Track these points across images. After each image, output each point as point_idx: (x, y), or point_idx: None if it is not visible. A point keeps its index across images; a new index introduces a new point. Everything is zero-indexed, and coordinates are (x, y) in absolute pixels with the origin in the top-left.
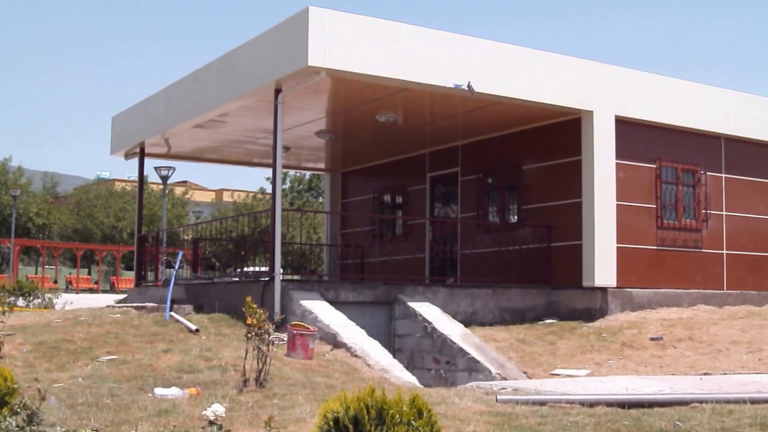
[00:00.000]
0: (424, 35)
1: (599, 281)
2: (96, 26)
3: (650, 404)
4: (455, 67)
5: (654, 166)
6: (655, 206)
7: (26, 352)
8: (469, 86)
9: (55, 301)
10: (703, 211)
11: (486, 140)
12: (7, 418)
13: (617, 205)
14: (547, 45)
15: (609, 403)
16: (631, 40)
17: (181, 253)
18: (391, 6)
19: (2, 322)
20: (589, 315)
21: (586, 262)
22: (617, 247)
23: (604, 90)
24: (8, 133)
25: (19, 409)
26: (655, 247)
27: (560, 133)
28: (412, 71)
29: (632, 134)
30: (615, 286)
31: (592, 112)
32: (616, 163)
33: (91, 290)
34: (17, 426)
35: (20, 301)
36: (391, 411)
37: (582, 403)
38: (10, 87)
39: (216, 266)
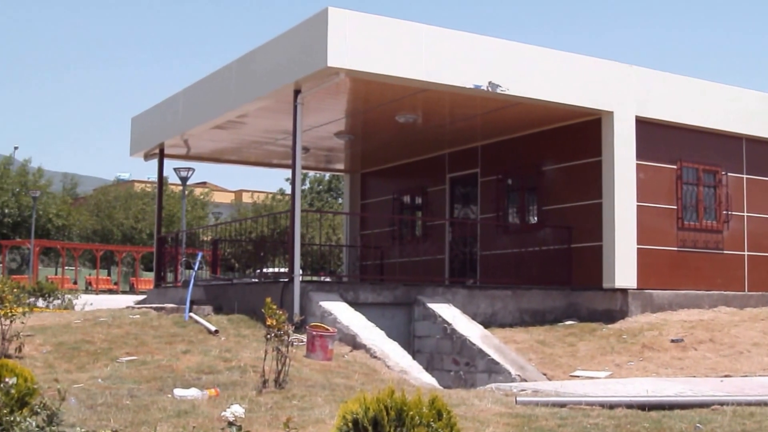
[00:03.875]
0: (444, 36)
1: (620, 282)
2: (116, 29)
3: (671, 406)
4: (475, 67)
5: (675, 166)
6: (675, 207)
7: (46, 352)
8: (490, 85)
9: (74, 301)
10: (724, 212)
11: (506, 141)
12: (28, 419)
13: (638, 206)
14: (568, 46)
15: (629, 405)
16: (651, 40)
17: (200, 254)
18: (410, 6)
19: (22, 322)
20: (610, 316)
21: (607, 264)
22: (638, 249)
23: (624, 90)
24: (28, 135)
25: (39, 410)
26: (676, 249)
27: (580, 134)
28: (431, 72)
29: (653, 135)
30: (635, 287)
31: (612, 112)
32: (637, 164)
33: (110, 291)
34: (37, 426)
35: (40, 302)
36: (411, 412)
37: (602, 405)
38: (31, 90)
39: (235, 267)
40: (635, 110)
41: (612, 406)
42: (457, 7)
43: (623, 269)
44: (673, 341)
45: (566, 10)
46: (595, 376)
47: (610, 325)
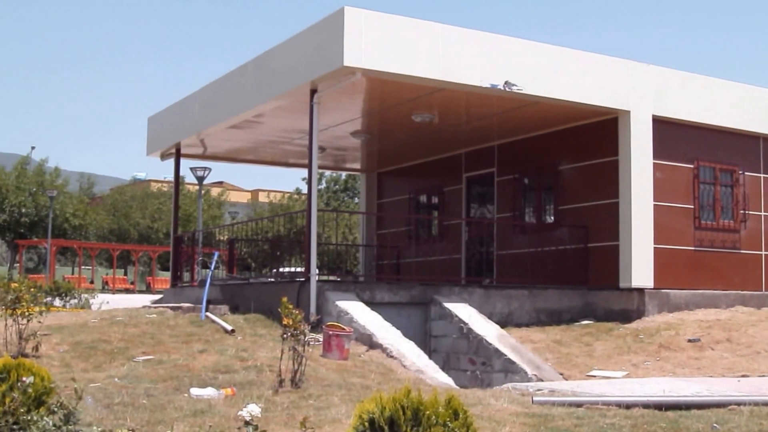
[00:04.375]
0: (460, 35)
1: (636, 282)
2: (133, 28)
3: (687, 406)
4: (491, 66)
5: (692, 166)
6: (692, 207)
7: (63, 351)
8: (506, 84)
9: (91, 301)
10: (741, 211)
11: (522, 140)
12: (44, 418)
13: (654, 205)
14: (585, 45)
15: (646, 405)
16: (668, 40)
17: (216, 254)
18: (426, 6)
19: (39, 322)
20: (626, 316)
21: (623, 263)
22: (654, 248)
23: (641, 89)
24: (46, 135)
25: (56, 409)
26: (693, 248)
27: (597, 133)
28: (448, 71)
29: (670, 134)
30: (652, 287)
31: (629, 111)
32: (654, 163)
33: (127, 290)
34: (54, 425)
35: (57, 301)
36: (427, 412)
37: (619, 405)
38: (47, 89)
39: (252, 267)
40: (652, 109)
41: (628, 406)
42: (472, 6)
43: (640, 269)
44: (690, 341)
45: (583, 9)
46: (611, 375)
47: (626, 325)
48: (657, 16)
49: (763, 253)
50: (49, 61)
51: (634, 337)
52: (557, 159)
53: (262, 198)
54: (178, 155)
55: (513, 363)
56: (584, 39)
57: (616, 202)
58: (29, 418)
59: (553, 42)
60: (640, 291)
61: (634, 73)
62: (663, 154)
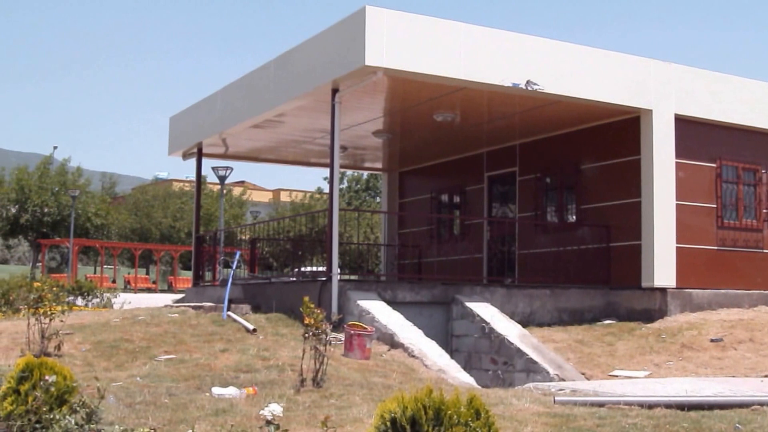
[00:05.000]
0: (482, 34)
1: (658, 282)
2: (153, 28)
3: (710, 406)
4: (513, 65)
5: (714, 165)
6: (715, 206)
7: (85, 351)
8: (528, 83)
9: (113, 300)
10: (765, 210)
11: (544, 139)
12: (67, 416)
13: (677, 204)
14: (607, 44)
15: (668, 405)
16: (691, 38)
17: (238, 253)
18: (448, 5)
19: (62, 321)
20: (648, 316)
21: (646, 263)
22: (677, 248)
23: (663, 88)
24: (68, 134)
25: (78, 408)
26: (716, 248)
27: (619, 132)
28: (469, 70)
29: (692, 133)
30: (674, 286)
31: (651, 110)
32: (676, 162)
33: (149, 290)
34: (76, 424)
35: (79, 301)
36: (449, 411)
37: (641, 405)
38: (70, 90)
39: (273, 266)
40: (674, 108)
41: (651, 406)
42: (493, 5)
43: (662, 268)
44: (712, 341)
45: (606, 8)
46: (633, 375)
47: (648, 325)
48: (679, 15)
49: None
50: (71, 61)
51: (657, 336)
52: (579, 158)
53: (284, 197)
54: (199, 155)
55: (535, 363)
56: (606, 38)
57: (639, 201)
58: (52, 416)
59: (575, 41)
60: (663, 291)
61: (657, 71)
62: (685, 153)
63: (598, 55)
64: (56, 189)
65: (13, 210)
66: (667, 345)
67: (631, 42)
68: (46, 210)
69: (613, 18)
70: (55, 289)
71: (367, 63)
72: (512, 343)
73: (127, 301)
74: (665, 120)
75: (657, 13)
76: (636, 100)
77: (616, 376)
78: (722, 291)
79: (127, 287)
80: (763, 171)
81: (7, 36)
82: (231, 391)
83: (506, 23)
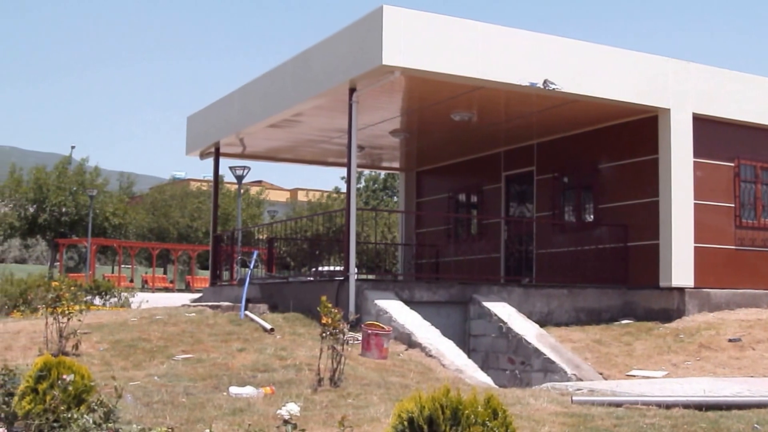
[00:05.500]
0: (499, 33)
1: (676, 281)
2: (171, 27)
3: (728, 406)
4: (531, 65)
5: (732, 164)
6: (733, 205)
7: (103, 350)
8: (545, 83)
9: (131, 300)
10: None
11: (562, 139)
12: (85, 415)
13: (695, 204)
14: (624, 43)
15: (686, 405)
16: (709, 37)
17: (256, 253)
18: (465, 3)
19: (79, 320)
20: (666, 315)
21: (663, 262)
22: (695, 247)
23: (681, 87)
24: (85, 134)
25: (96, 407)
26: (734, 247)
27: (637, 132)
28: (486, 69)
29: (710, 132)
30: (692, 286)
31: (669, 109)
32: (694, 162)
33: (166, 289)
34: (94, 423)
35: (97, 300)
36: (466, 411)
37: (658, 405)
38: (88, 90)
39: (291, 265)
40: (693, 107)
41: (669, 406)
42: (510, 4)
43: (680, 268)
44: (730, 341)
45: (624, 6)
46: (651, 375)
47: (666, 325)
48: (698, 13)
49: None
50: (89, 61)
51: (674, 336)
52: (597, 157)
53: (301, 197)
54: (217, 154)
55: (552, 362)
56: (624, 37)
57: (656, 200)
58: (69, 415)
59: (592, 40)
60: (681, 290)
61: (675, 70)
62: (703, 153)
63: (616, 54)
64: (74, 189)
65: (32, 210)
66: (685, 345)
67: (649, 41)
68: (64, 210)
69: (631, 17)
70: (72, 288)
71: (384, 62)
72: (530, 343)
73: (145, 300)
74: (683, 119)
75: (675, 12)
76: (654, 99)
77: (634, 376)
78: (740, 291)
79: (145, 287)
80: None
81: (30, 37)
82: (248, 391)
83: (523, 22)
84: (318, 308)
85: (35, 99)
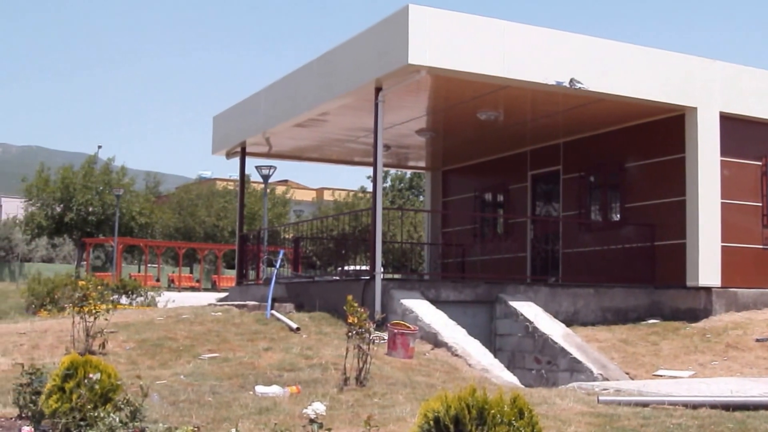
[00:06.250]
0: (525, 32)
1: (703, 281)
2: (197, 27)
3: (755, 407)
4: (557, 63)
5: (760, 163)
6: (761, 204)
7: (129, 349)
8: (571, 81)
9: (157, 299)
10: None
11: (588, 138)
12: (111, 414)
13: (722, 203)
14: (652, 42)
15: (713, 405)
16: (735, 35)
17: (282, 252)
18: (490, 2)
19: (106, 319)
20: (693, 315)
21: (690, 262)
22: (722, 246)
23: (708, 86)
24: (112, 134)
25: (122, 405)
26: (761, 246)
27: (663, 130)
28: (512, 68)
29: (737, 131)
30: (719, 285)
31: (695, 108)
32: (721, 161)
33: (192, 288)
34: (120, 422)
35: (123, 299)
36: (492, 411)
37: (685, 405)
38: (115, 90)
39: (317, 265)
40: (719, 106)
41: (695, 406)
42: (535, 3)
43: (707, 267)
44: (758, 340)
45: (650, 6)
46: (678, 375)
47: (693, 324)
48: (724, 11)
49: None
50: (116, 62)
51: (701, 336)
52: (623, 156)
53: (327, 196)
54: (243, 154)
55: (579, 362)
56: (650, 36)
57: (683, 200)
58: (96, 414)
59: (618, 38)
60: (708, 290)
61: (701, 69)
62: (730, 151)
63: (642, 52)
64: (101, 188)
65: (58, 209)
66: (712, 345)
67: (675, 40)
68: (90, 209)
69: (658, 16)
70: (99, 287)
71: (410, 62)
72: (556, 343)
73: (171, 299)
74: (710, 118)
75: (702, 11)
76: (681, 97)
77: (661, 375)
78: None
79: (171, 286)
80: None
81: (57, 36)
82: (274, 390)
83: (549, 21)
84: (344, 307)
85: (62, 99)
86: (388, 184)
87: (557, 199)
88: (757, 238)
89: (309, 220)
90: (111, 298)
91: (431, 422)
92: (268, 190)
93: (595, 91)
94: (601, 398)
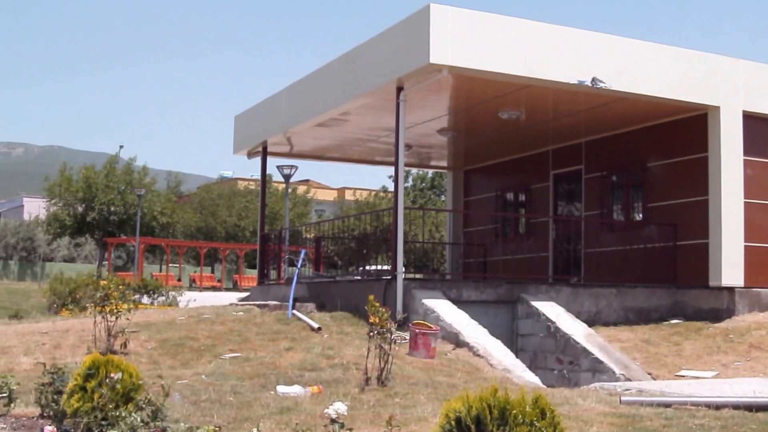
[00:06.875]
0: (547, 31)
1: (726, 281)
2: (220, 26)
3: None
4: (578, 63)
5: None
6: None
7: (151, 349)
8: (593, 81)
9: (179, 298)
10: None
11: (610, 137)
12: (133, 414)
13: (745, 202)
14: (672, 40)
15: (736, 406)
16: (760, 34)
17: (303, 252)
18: (510, 2)
19: (127, 319)
20: (716, 315)
21: (713, 261)
22: (745, 246)
23: (731, 85)
24: (134, 133)
25: (143, 405)
26: None
27: (686, 130)
28: (534, 68)
29: (761, 129)
30: (742, 285)
31: (718, 107)
32: (744, 160)
33: (214, 288)
34: (142, 421)
35: (145, 299)
36: (514, 411)
37: (708, 406)
38: (137, 90)
39: (338, 264)
40: (742, 105)
41: (718, 407)
42: (555, 1)
43: (730, 267)
44: None
45: (673, 5)
46: (700, 376)
47: (716, 324)
48: (747, 10)
49: None
50: (138, 61)
51: (724, 336)
52: (645, 156)
53: (349, 196)
54: (264, 153)
55: (601, 362)
56: (673, 34)
57: (706, 199)
58: (117, 413)
59: (640, 37)
60: (730, 290)
61: (724, 67)
62: (754, 151)
63: (664, 51)
64: (122, 188)
65: (80, 208)
66: (735, 345)
67: (698, 38)
68: (112, 209)
69: (681, 15)
70: (121, 287)
71: (431, 61)
72: (578, 343)
73: (193, 299)
74: (733, 116)
75: (726, 8)
76: (703, 96)
77: (683, 376)
78: None
79: (193, 286)
80: None
81: (77, 35)
82: (296, 390)
83: (571, 20)
84: (365, 307)
85: (83, 99)
86: (410, 183)
87: (579, 199)
88: None
89: (330, 219)
90: (132, 298)
91: (453, 422)
92: (290, 190)
93: (617, 90)
94: (623, 399)
